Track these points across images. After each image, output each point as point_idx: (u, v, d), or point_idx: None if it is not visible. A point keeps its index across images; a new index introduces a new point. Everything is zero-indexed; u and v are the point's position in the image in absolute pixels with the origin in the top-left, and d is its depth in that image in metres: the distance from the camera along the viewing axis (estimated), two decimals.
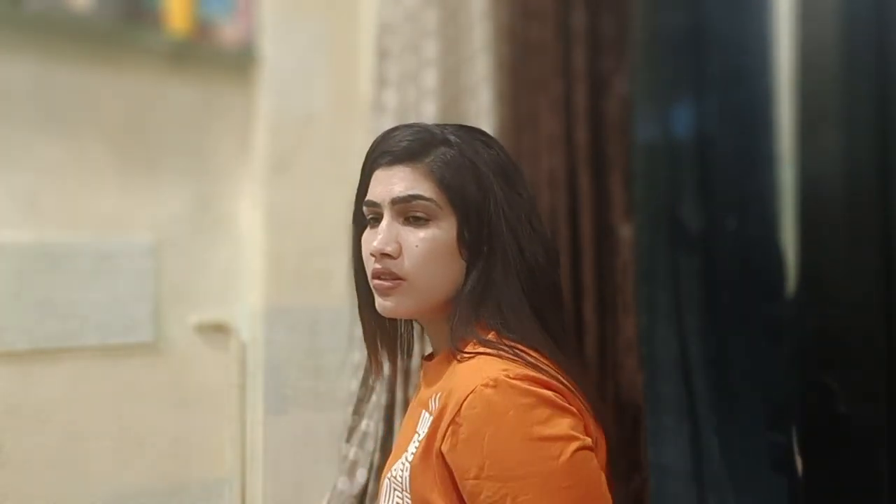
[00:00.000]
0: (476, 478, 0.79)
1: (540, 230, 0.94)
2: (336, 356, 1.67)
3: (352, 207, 1.00)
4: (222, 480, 1.63)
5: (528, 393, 0.81)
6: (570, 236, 1.45)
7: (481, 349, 0.87)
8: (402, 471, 0.87)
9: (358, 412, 1.56)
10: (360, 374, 1.57)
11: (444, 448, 0.82)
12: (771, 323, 1.45)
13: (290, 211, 1.67)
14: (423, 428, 0.88)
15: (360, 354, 1.58)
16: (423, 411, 0.90)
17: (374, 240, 0.90)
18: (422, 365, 1.02)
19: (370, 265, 0.91)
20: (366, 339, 1.03)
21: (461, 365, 0.87)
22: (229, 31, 1.63)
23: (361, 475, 1.51)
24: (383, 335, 1.03)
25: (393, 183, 0.90)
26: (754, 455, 1.48)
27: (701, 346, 1.54)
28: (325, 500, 1.55)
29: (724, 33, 1.56)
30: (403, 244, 0.89)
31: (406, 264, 0.88)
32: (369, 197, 0.92)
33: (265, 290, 1.65)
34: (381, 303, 0.92)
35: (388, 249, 0.88)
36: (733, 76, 1.55)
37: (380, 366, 1.05)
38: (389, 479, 0.89)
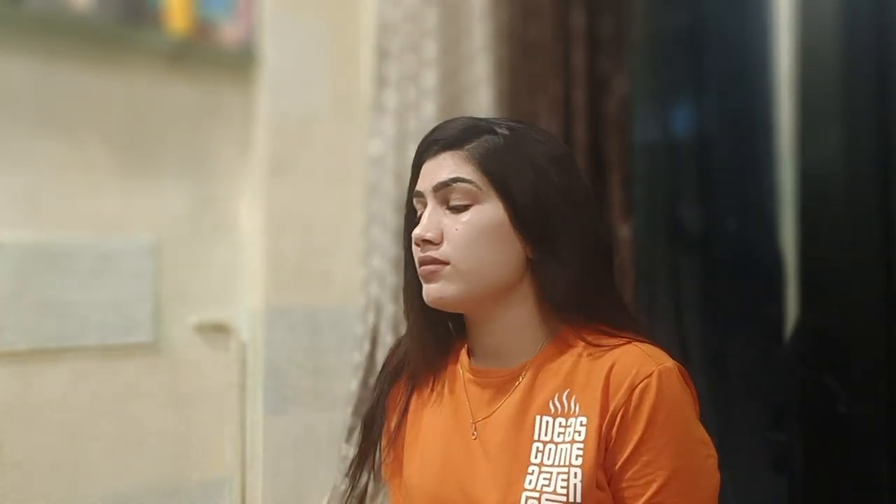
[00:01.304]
0: (631, 455, 0.80)
1: (600, 213, 0.95)
2: (336, 356, 1.67)
3: (403, 209, 0.98)
4: (222, 480, 1.63)
5: (689, 392, 0.84)
6: None
7: (634, 338, 0.86)
8: (564, 480, 0.81)
9: (358, 412, 1.56)
10: (360, 374, 1.57)
11: (614, 429, 0.81)
12: (771, 323, 1.45)
13: (290, 211, 1.67)
14: (550, 433, 0.84)
15: (360, 354, 1.58)
16: (541, 416, 0.85)
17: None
18: (475, 374, 0.93)
19: (417, 256, 0.90)
20: (412, 342, 0.98)
21: (619, 350, 0.84)
22: (229, 31, 1.63)
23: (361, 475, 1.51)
24: (429, 337, 0.96)
25: (436, 171, 0.89)
26: (754, 455, 1.48)
27: (701, 346, 1.54)
28: (325, 500, 1.55)
29: (724, 33, 1.56)
30: (445, 230, 0.87)
31: (446, 248, 0.87)
32: (416, 188, 0.92)
33: (265, 290, 1.65)
34: (426, 290, 0.89)
35: (429, 235, 0.87)
36: (733, 76, 1.55)
37: (427, 369, 0.98)
38: (538, 498, 0.82)
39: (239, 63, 1.66)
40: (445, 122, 0.93)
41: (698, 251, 1.57)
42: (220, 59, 1.64)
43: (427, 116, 1.56)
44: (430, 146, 0.91)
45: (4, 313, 1.40)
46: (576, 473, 0.81)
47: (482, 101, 1.55)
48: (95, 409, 1.49)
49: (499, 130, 0.89)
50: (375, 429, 1.00)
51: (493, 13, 1.57)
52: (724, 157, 1.56)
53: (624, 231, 1.43)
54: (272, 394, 1.63)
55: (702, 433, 0.84)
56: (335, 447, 1.59)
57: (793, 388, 1.40)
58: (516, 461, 0.85)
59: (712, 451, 0.84)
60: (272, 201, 1.65)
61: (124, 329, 1.52)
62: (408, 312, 0.97)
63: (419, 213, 0.91)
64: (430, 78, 1.58)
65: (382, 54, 1.67)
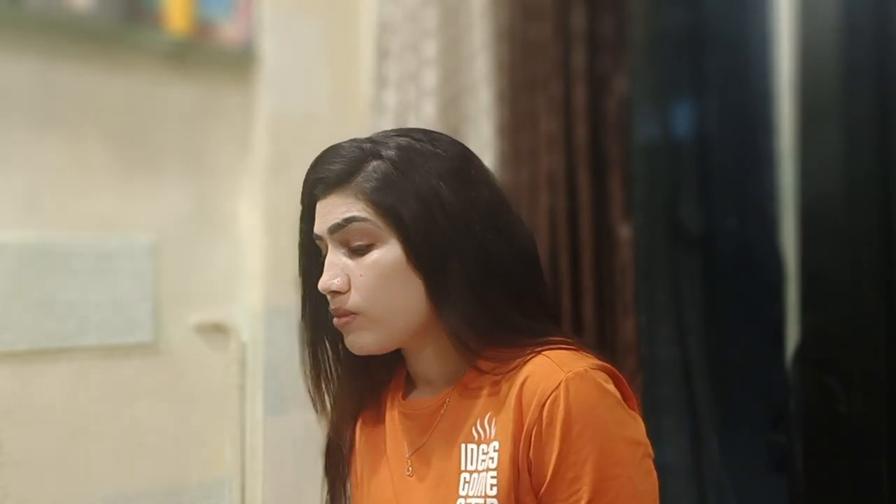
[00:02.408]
0: (554, 476, 0.75)
1: (507, 224, 0.86)
2: None
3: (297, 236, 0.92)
4: (222, 480, 1.63)
5: (611, 392, 0.78)
6: (569, 236, 1.44)
7: (542, 348, 0.80)
8: None
9: None
10: None
11: (531, 450, 0.77)
12: (771, 323, 1.45)
13: (290, 211, 1.65)
14: (475, 461, 0.81)
15: None
16: (465, 444, 0.82)
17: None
18: (404, 406, 0.91)
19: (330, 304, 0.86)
20: (344, 389, 0.94)
21: (528, 365, 0.79)
22: (229, 31, 1.63)
23: None
24: (357, 375, 0.93)
25: (328, 212, 0.84)
26: (754, 455, 1.48)
27: (701, 346, 1.54)
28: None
29: (724, 33, 1.56)
30: (350, 276, 0.82)
31: (354, 297, 0.82)
32: (315, 230, 0.87)
33: (265, 290, 1.64)
34: (346, 341, 0.86)
35: (335, 285, 0.82)
36: (733, 76, 1.55)
37: (349, 418, 0.96)
38: None
39: (239, 63, 1.66)
40: (329, 152, 0.86)
41: (698, 251, 1.57)
42: (219, 59, 1.64)
43: (427, 116, 1.56)
44: (316, 185, 0.86)
45: (4, 313, 1.40)
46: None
47: (482, 101, 1.55)
48: (95, 408, 1.49)
49: (385, 153, 0.82)
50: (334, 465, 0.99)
51: (493, 13, 1.57)
52: (724, 157, 1.56)
53: (624, 231, 1.43)
54: (272, 394, 1.63)
55: (632, 432, 0.77)
56: None
57: (793, 389, 1.40)
58: (448, 495, 0.82)
59: (647, 450, 0.78)
60: (272, 201, 1.65)
61: (124, 329, 1.52)
62: (327, 362, 0.94)
63: (323, 253, 0.87)
64: (430, 78, 1.58)
65: (382, 54, 1.67)
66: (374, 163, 0.82)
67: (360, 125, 1.71)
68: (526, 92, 1.51)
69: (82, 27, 1.48)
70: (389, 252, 0.81)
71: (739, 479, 1.47)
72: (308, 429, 1.67)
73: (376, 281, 0.81)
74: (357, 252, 0.83)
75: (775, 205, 1.44)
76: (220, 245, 1.65)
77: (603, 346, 1.41)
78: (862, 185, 1.29)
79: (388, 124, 1.62)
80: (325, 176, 0.85)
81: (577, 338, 0.88)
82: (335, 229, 0.83)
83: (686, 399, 1.52)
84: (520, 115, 1.52)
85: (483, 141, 1.53)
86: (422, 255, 0.81)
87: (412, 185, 0.81)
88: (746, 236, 1.52)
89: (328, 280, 0.83)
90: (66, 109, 1.48)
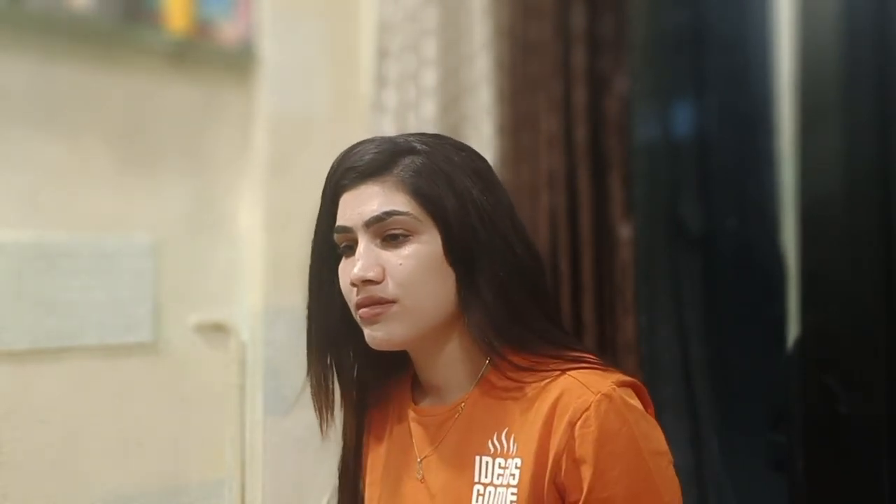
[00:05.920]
0: (588, 496, 0.76)
1: (522, 228, 0.88)
2: None
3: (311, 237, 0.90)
4: (222, 480, 1.63)
5: (636, 406, 0.79)
6: (569, 236, 1.45)
7: (567, 366, 0.81)
8: None
9: None
10: None
11: (563, 473, 0.77)
12: (771, 323, 1.45)
13: (290, 211, 1.67)
14: (490, 474, 0.81)
15: None
16: (480, 456, 0.82)
17: (352, 268, 0.82)
18: (415, 412, 0.91)
19: (352, 298, 0.83)
20: (342, 391, 0.94)
21: (554, 385, 0.80)
22: (229, 31, 1.63)
23: None
24: (360, 383, 0.94)
25: (363, 203, 0.82)
26: (754, 455, 1.48)
27: (701, 346, 1.54)
28: (325, 499, 1.55)
29: (724, 33, 1.56)
30: (386, 266, 0.81)
31: (391, 287, 0.81)
32: (340, 223, 0.84)
33: (265, 290, 1.65)
34: (370, 334, 0.83)
35: (371, 275, 0.80)
36: (733, 76, 1.55)
37: (359, 425, 0.98)
38: None
39: (239, 63, 1.66)
40: (359, 145, 0.85)
41: (698, 251, 1.57)
42: (219, 58, 1.64)
43: (427, 116, 1.56)
44: (347, 174, 0.84)
45: (4, 313, 1.40)
46: None
47: (482, 101, 1.55)
48: (95, 409, 1.49)
49: (420, 148, 0.83)
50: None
51: (494, 12, 1.57)
52: (724, 157, 1.56)
53: (624, 230, 1.43)
54: (272, 394, 1.63)
55: (656, 444, 0.79)
56: (335, 447, 1.59)
57: (793, 389, 1.40)
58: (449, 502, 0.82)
59: (669, 458, 0.80)
60: (272, 201, 1.65)
61: (124, 329, 1.52)
62: (340, 359, 0.93)
63: (342, 246, 0.85)
64: (430, 77, 1.58)
65: (382, 54, 1.67)
66: (411, 156, 0.83)
67: (360, 125, 1.71)
68: (526, 92, 1.51)
69: (82, 27, 1.48)
70: (429, 244, 0.82)
71: (739, 479, 1.47)
72: (308, 429, 1.67)
73: (415, 271, 0.81)
74: (392, 242, 0.82)
75: (775, 205, 1.44)
76: (219, 245, 1.65)
77: (603, 346, 1.41)
78: (862, 185, 1.29)
79: (388, 124, 1.62)
80: (358, 165, 0.83)
81: (580, 339, 0.89)
82: (372, 222, 0.82)
83: (686, 399, 1.52)
84: (520, 114, 1.52)
85: (483, 141, 1.53)
86: (458, 249, 0.82)
87: (449, 180, 0.82)
88: (746, 236, 1.52)
89: (364, 269, 0.81)
90: (66, 109, 1.48)
